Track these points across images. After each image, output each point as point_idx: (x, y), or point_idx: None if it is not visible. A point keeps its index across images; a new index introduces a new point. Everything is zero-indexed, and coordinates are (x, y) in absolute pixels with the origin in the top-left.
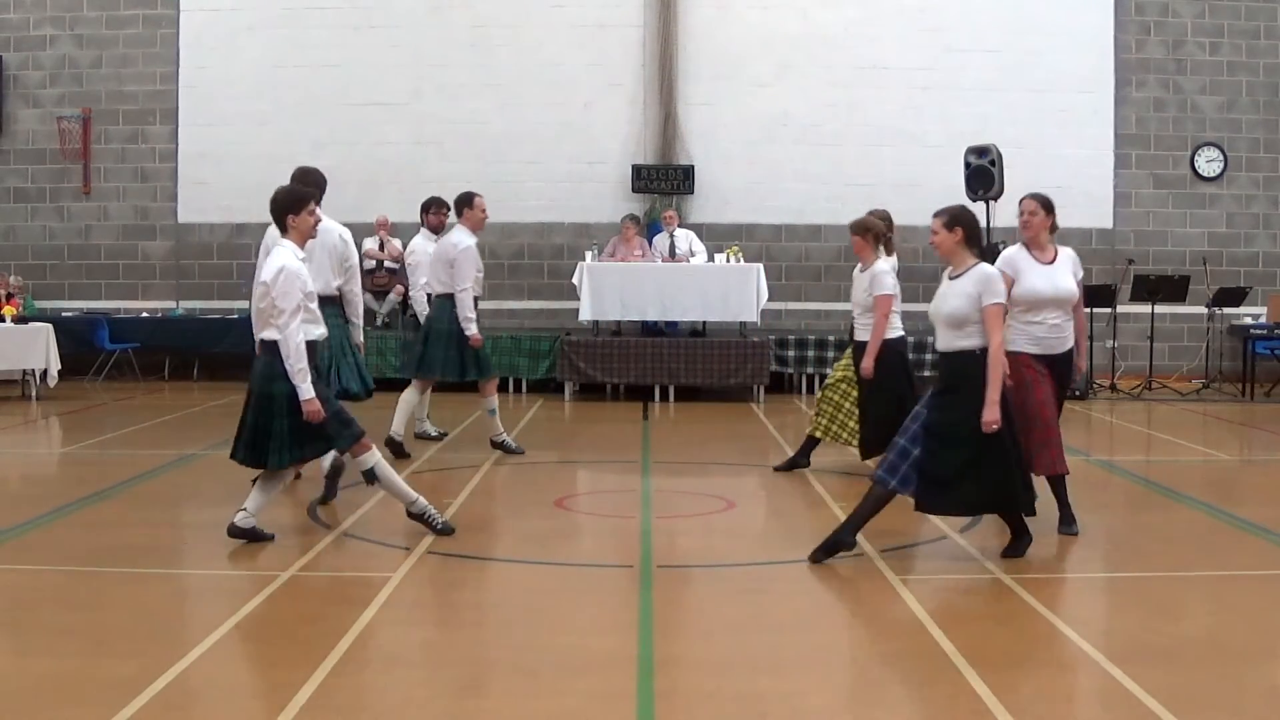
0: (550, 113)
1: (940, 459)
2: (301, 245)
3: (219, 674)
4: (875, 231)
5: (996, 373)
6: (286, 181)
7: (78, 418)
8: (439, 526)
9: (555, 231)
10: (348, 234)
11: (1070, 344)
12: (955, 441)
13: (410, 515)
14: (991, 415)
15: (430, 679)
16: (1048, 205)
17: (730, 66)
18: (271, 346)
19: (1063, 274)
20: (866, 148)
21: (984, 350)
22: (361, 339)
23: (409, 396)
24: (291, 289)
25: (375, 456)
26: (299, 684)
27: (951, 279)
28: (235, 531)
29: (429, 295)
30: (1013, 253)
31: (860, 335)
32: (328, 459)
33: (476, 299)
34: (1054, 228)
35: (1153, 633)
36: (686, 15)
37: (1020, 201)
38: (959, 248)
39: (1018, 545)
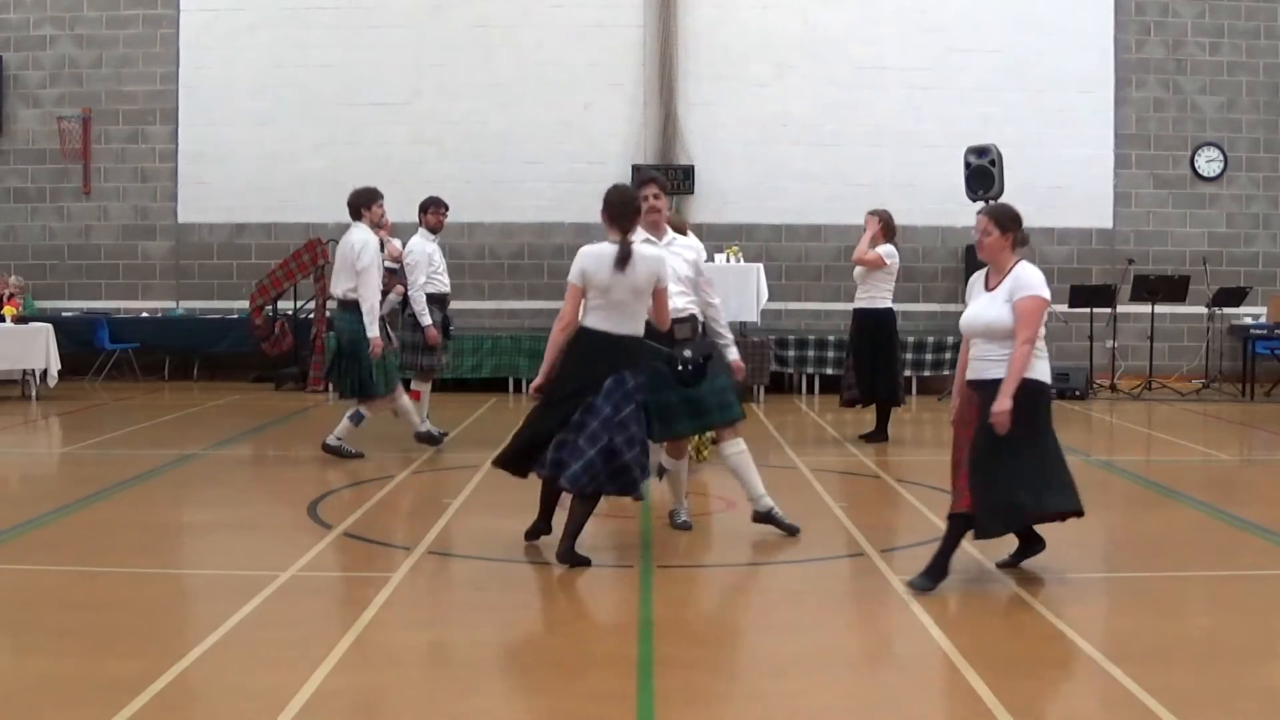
0: (550, 113)
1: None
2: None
3: (219, 674)
4: None
5: (550, 349)
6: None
7: (78, 418)
8: (785, 521)
9: (555, 231)
10: (361, 241)
11: (993, 373)
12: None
13: (756, 516)
14: (535, 384)
15: (430, 679)
16: (1004, 222)
17: (730, 66)
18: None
19: (989, 304)
20: (866, 148)
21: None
22: (375, 334)
23: None
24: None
25: (740, 445)
26: (299, 684)
27: None
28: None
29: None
30: (974, 279)
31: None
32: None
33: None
34: (1021, 242)
35: (1153, 633)
36: (686, 15)
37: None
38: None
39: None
